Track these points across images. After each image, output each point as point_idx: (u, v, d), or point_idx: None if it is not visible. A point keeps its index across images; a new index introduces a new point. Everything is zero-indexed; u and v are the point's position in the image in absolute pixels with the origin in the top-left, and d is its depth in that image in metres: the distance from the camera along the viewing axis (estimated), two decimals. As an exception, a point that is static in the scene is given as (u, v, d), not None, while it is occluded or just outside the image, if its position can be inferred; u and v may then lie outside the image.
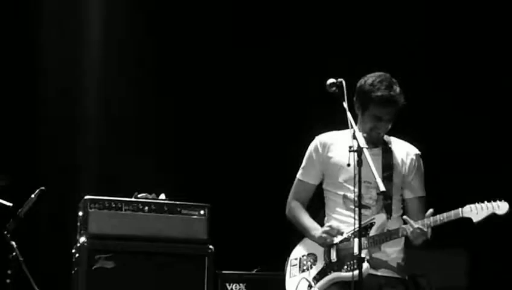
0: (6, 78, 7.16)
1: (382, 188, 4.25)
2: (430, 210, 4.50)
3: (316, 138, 4.85)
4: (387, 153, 4.70)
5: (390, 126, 4.67)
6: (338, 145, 4.73)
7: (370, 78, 4.63)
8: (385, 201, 4.62)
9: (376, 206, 4.64)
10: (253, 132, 7.58)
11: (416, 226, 4.46)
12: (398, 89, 4.60)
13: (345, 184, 4.66)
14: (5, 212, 5.97)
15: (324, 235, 4.63)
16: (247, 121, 7.62)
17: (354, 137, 4.32)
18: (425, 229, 4.46)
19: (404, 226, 4.56)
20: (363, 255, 4.34)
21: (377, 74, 4.66)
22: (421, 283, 6.37)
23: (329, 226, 4.64)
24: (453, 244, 6.67)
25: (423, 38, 7.52)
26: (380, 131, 4.65)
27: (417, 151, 4.79)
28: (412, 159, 4.74)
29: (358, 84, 4.69)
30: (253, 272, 6.40)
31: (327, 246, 4.66)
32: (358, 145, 4.27)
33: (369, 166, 4.26)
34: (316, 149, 4.79)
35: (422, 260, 6.52)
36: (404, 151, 4.76)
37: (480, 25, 7.40)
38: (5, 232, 5.88)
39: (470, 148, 7.22)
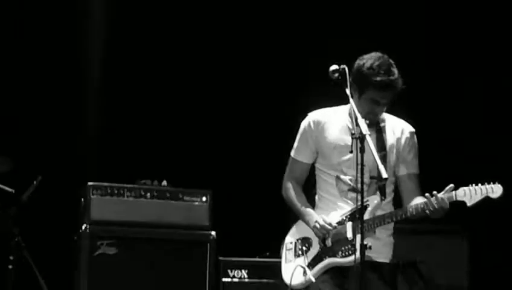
0: (6, 70, 7.17)
1: (385, 175, 4.16)
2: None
3: (309, 115, 4.70)
4: (381, 133, 4.59)
5: (385, 108, 4.58)
6: (332, 124, 4.61)
7: (368, 61, 4.47)
8: (380, 182, 4.51)
9: (368, 191, 4.50)
10: (255, 117, 7.56)
11: (441, 195, 4.31)
12: (396, 73, 4.46)
13: (338, 166, 4.56)
14: (7, 199, 6.01)
15: (315, 230, 4.53)
16: (248, 106, 7.58)
17: (357, 124, 4.24)
18: (446, 203, 4.31)
19: (413, 204, 4.43)
20: (358, 240, 4.24)
21: (375, 55, 4.50)
22: (422, 269, 6.36)
23: (321, 225, 4.49)
24: (453, 230, 6.66)
25: (422, 24, 7.50)
26: (376, 114, 4.54)
27: (412, 129, 4.68)
28: (406, 137, 4.63)
29: (355, 66, 4.53)
30: (256, 258, 6.40)
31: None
32: (361, 132, 4.18)
33: (372, 154, 4.17)
34: (309, 127, 4.65)
35: (422, 246, 6.52)
36: (399, 128, 4.64)
37: (479, 12, 7.37)
38: (7, 218, 5.92)
39: (464, 131, 7.22)
